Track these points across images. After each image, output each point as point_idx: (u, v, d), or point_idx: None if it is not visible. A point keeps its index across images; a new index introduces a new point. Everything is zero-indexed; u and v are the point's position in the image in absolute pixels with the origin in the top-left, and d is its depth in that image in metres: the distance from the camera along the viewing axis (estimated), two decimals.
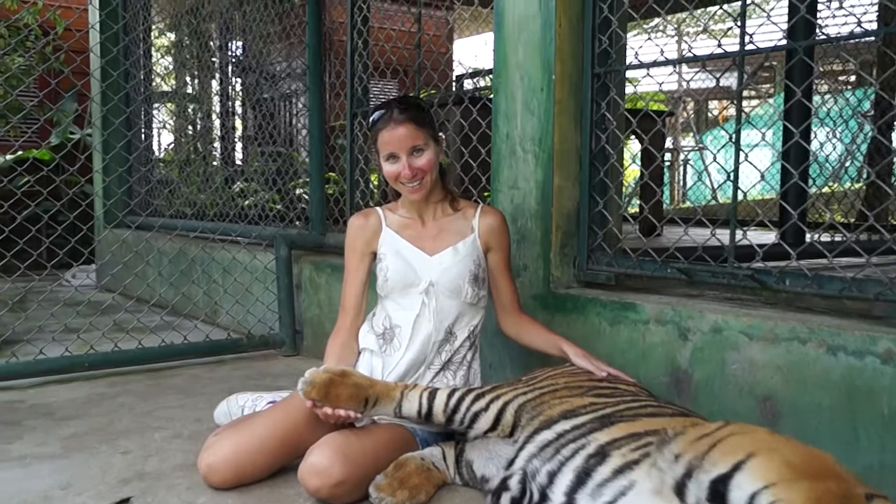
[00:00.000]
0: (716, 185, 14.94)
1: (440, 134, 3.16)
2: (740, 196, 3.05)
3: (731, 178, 3.01)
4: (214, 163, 7.90)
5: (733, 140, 3.00)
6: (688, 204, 15.15)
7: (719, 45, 3.19)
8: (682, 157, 17.10)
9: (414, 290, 3.08)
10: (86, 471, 2.97)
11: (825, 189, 7.56)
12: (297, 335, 5.24)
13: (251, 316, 5.46)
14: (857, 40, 6.96)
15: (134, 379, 4.50)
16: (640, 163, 5.66)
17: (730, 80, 15.74)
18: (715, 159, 3.42)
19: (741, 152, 2.98)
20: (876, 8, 8.03)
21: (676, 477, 1.83)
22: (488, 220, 3.21)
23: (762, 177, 3.08)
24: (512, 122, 3.66)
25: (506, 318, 3.27)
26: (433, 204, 3.21)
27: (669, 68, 14.06)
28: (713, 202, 12.25)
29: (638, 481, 1.96)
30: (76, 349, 4.62)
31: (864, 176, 8.07)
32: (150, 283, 6.16)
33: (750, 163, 3.11)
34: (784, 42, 5.00)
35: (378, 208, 3.30)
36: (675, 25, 16.96)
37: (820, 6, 6.54)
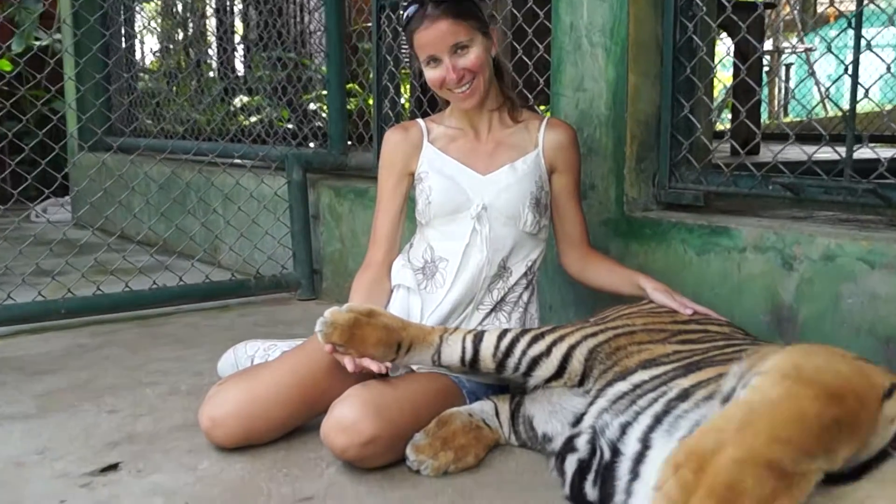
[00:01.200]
0: (825, 94, 14.64)
1: (489, 26, 3.11)
2: (861, 94, 2.97)
3: (849, 72, 2.93)
4: (210, 73, 7.90)
5: (853, 26, 2.93)
6: (790, 118, 14.88)
7: None
8: (783, 59, 16.75)
9: (463, 216, 3.07)
10: (65, 433, 3.03)
11: None
12: (314, 275, 5.28)
13: (259, 253, 5.50)
14: None
15: (120, 328, 4.58)
16: (733, 64, 5.53)
17: None
18: (832, 56, 3.33)
19: (861, 39, 2.90)
20: None
21: (727, 391, 1.89)
22: (556, 136, 3.18)
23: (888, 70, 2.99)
24: (577, 10, 3.59)
25: (570, 254, 3.25)
26: (489, 113, 3.18)
27: None
28: (821, 116, 12.00)
29: (713, 412, 1.97)
30: (50, 294, 4.69)
31: None
32: (136, 215, 6.21)
33: (873, 51, 3.03)
34: None
35: (419, 120, 3.28)
36: None
37: None
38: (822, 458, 1.58)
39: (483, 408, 2.89)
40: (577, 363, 2.64)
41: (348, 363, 2.69)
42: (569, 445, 2.46)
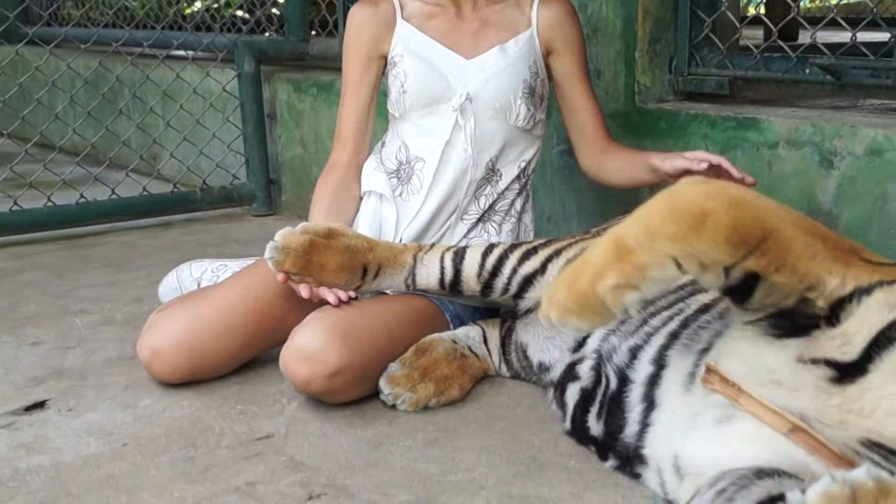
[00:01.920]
0: None
1: None
2: None
3: None
4: None
5: None
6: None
7: None
8: None
9: (443, 108, 3.04)
10: None
11: None
12: (271, 186, 5.27)
13: (206, 161, 5.47)
14: None
15: (44, 249, 4.58)
16: None
17: None
18: None
19: None
20: None
21: None
22: (551, 11, 3.14)
23: None
24: None
25: (587, 151, 3.19)
26: None
27: None
28: None
29: (734, 322, 2.01)
30: None
31: None
32: (59, 117, 6.14)
33: None
34: None
35: None
36: None
37: None
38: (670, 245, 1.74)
39: (469, 334, 2.92)
40: None
41: (304, 290, 2.70)
42: (570, 373, 2.49)
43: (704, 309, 2.23)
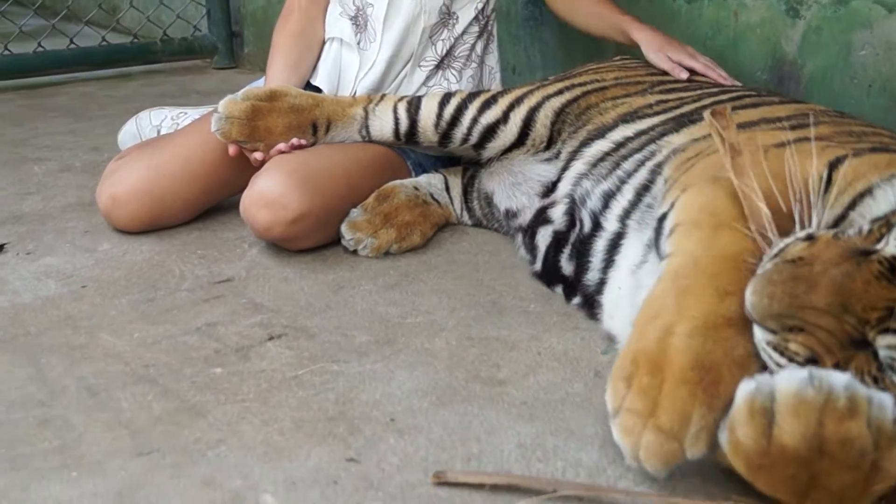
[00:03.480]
0: None
1: None
2: None
3: None
4: None
5: None
6: None
7: None
8: None
9: None
10: None
11: None
12: (233, 39, 5.15)
13: (166, 11, 5.35)
14: None
15: (1, 98, 4.49)
16: None
17: None
18: None
19: None
20: None
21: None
22: None
23: None
24: None
25: None
26: None
27: None
28: None
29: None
30: None
31: None
32: None
33: None
34: None
35: None
36: None
37: None
38: None
39: (431, 181, 2.88)
40: (541, 127, 2.60)
41: (258, 157, 2.65)
42: (541, 217, 2.46)
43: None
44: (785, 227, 1.55)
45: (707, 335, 1.49)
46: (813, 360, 1.38)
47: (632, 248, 2.10)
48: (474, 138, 2.67)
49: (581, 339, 2.14)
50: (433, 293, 2.40)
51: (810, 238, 1.47)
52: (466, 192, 2.87)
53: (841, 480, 1.33)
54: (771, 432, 1.34)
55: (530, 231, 2.48)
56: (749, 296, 1.45)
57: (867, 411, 1.30)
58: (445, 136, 2.70)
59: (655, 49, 2.78)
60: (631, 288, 2.02)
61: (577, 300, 2.28)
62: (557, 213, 2.41)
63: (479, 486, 1.56)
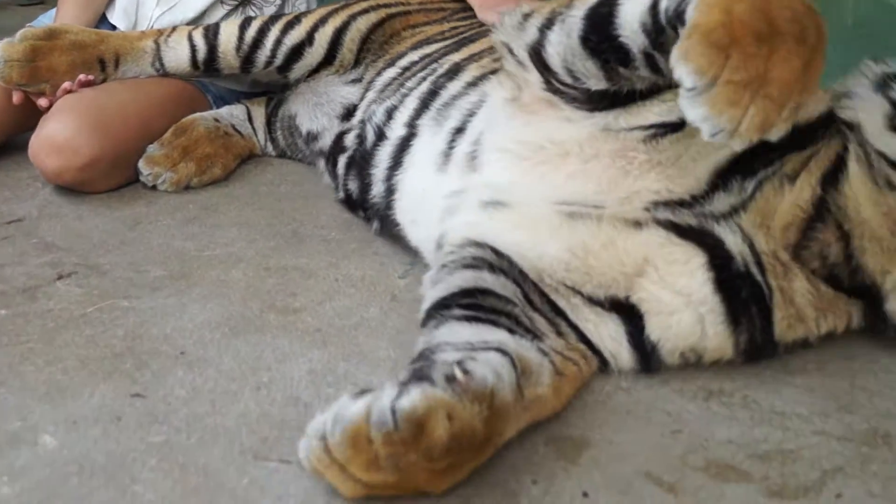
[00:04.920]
0: None
1: None
2: None
3: None
4: None
5: None
6: None
7: None
8: None
9: None
10: None
11: None
12: None
13: None
14: None
15: None
16: None
17: None
18: None
19: None
20: None
21: (529, 41, 1.80)
22: None
23: None
24: None
25: None
26: None
27: None
28: None
29: (490, 93, 1.95)
30: None
31: None
32: None
33: None
34: None
35: None
36: None
37: None
38: None
39: (233, 112, 2.81)
40: (347, 52, 2.56)
41: (42, 103, 2.54)
42: (339, 145, 2.42)
43: (455, 70, 2.17)
44: None
45: (807, 13, 1.41)
46: None
47: (428, 145, 2.07)
48: (279, 60, 2.61)
49: (380, 265, 2.13)
50: (233, 225, 2.36)
51: None
52: (270, 123, 2.82)
53: None
54: None
55: (332, 159, 2.44)
56: None
57: None
58: (248, 61, 2.63)
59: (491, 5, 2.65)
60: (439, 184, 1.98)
61: (375, 225, 2.26)
62: (350, 139, 2.38)
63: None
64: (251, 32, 2.61)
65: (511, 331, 1.58)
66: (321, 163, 2.54)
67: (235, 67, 2.64)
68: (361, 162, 2.24)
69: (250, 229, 2.33)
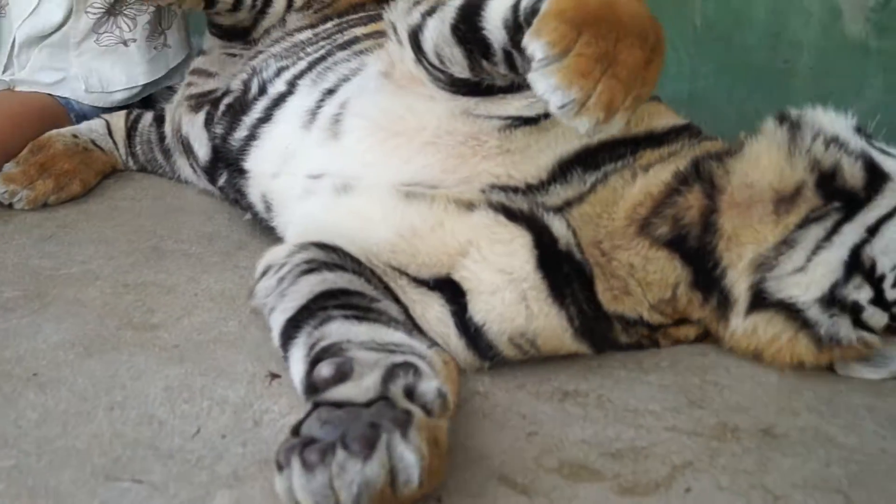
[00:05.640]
0: None
1: None
2: None
3: None
4: None
5: None
6: None
7: None
8: None
9: None
10: None
11: None
12: None
13: None
14: None
15: None
16: None
17: None
18: None
19: None
20: None
21: (412, 23, 1.83)
22: None
23: None
24: None
25: None
26: None
27: None
28: None
29: (368, 63, 2.00)
30: None
31: None
32: None
33: None
34: None
35: None
36: None
37: None
38: None
39: (92, 127, 2.76)
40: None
41: None
42: (227, 90, 2.41)
43: (351, 42, 2.21)
44: None
45: (648, 17, 1.45)
46: None
47: (299, 102, 2.09)
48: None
49: (240, 278, 2.11)
50: (91, 242, 2.31)
51: None
52: (130, 137, 2.78)
53: None
54: None
55: (216, 103, 2.40)
56: None
57: None
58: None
59: None
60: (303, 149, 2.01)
61: (223, 178, 2.27)
62: (236, 84, 2.37)
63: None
64: None
65: (395, 327, 1.59)
66: (202, 114, 2.47)
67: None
68: (238, 108, 2.24)
69: (109, 246, 2.29)
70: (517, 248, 1.68)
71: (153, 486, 1.34)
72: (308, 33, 2.42)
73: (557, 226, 1.70)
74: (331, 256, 1.74)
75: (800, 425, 1.61)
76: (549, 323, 1.69)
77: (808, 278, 1.65)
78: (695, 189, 1.71)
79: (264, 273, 1.82)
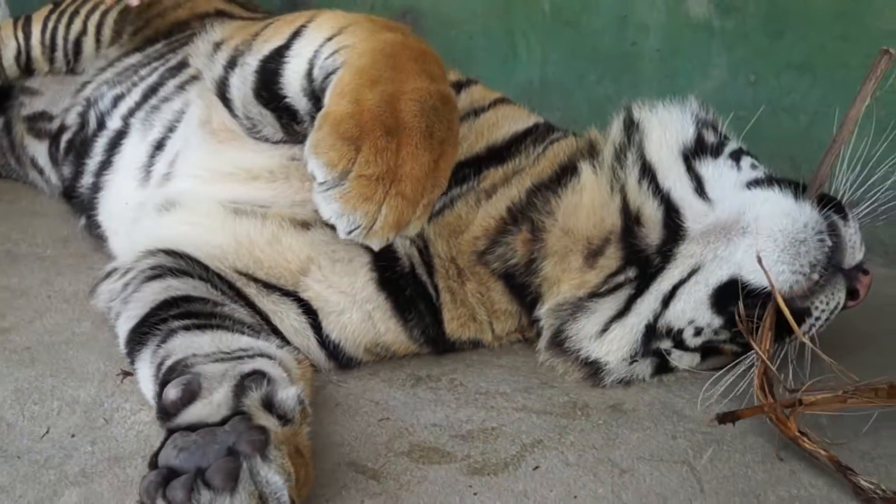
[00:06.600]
0: None
1: None
2: None
3: None
4: None
5: None
6: None
7: None
8: None
9: None
10: None
11: None
12: None
13: None
14: None
15: None
16: None
17: None
18: None
19: None
20: None
21: (216, 76, 1.80)
22: None
23: None
24: None
25: None
26: None
27: None
28: None
29: (191, 103, 1.96)
30: None
31: None
32: None
33: None
34: None
35: None
36: None
37: None
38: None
39: None
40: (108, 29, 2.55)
41: None
42: (63, 123, 2.38)
43: (179, 67, 2.17)
44: None
45: (436, 108, 1.42)
46: None
47: (133, 151, 2.05)
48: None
49: (93, 279, 2.07)
50: None
51: None
52: None
53: None
54: None
55: (57, 138, 2.39)
56: None
57: None
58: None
59: None
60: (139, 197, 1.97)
61: (82, 221, 2.22)
62: (72, 118, 2.34)
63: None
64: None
65: (241, 331, 1.56)
66: (44, 145, 2.48)
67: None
68: (80, 148, 2.21)
69: None
70: (357, 267, 1.70)
71: (1, 489, 1.32)
72: (137, 56, 2.39)
73: (399, 242, 1.71)
74: (178, 262, 1.72)
75: (647, 400, 1.67)
76: (397, 337, 1.74)
77: (605, 348, 1.67)
78: (523, 230, 1.72)
79: (109, 275, 1.81)
